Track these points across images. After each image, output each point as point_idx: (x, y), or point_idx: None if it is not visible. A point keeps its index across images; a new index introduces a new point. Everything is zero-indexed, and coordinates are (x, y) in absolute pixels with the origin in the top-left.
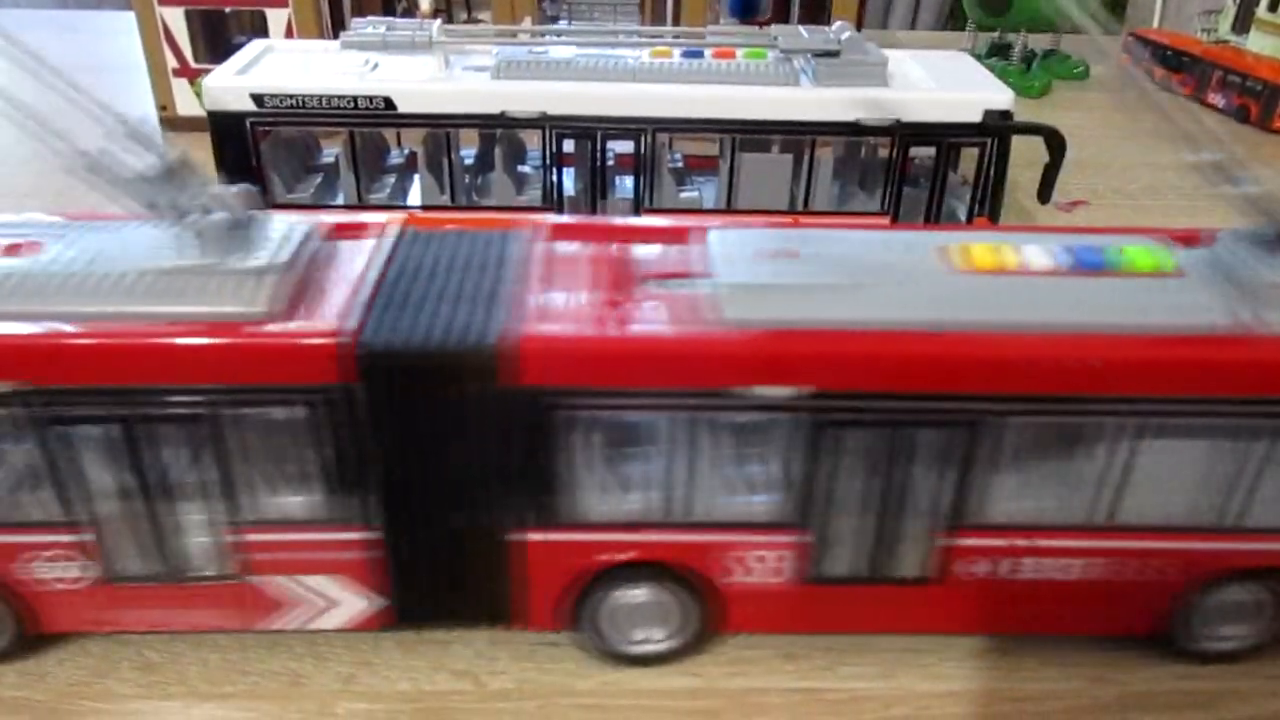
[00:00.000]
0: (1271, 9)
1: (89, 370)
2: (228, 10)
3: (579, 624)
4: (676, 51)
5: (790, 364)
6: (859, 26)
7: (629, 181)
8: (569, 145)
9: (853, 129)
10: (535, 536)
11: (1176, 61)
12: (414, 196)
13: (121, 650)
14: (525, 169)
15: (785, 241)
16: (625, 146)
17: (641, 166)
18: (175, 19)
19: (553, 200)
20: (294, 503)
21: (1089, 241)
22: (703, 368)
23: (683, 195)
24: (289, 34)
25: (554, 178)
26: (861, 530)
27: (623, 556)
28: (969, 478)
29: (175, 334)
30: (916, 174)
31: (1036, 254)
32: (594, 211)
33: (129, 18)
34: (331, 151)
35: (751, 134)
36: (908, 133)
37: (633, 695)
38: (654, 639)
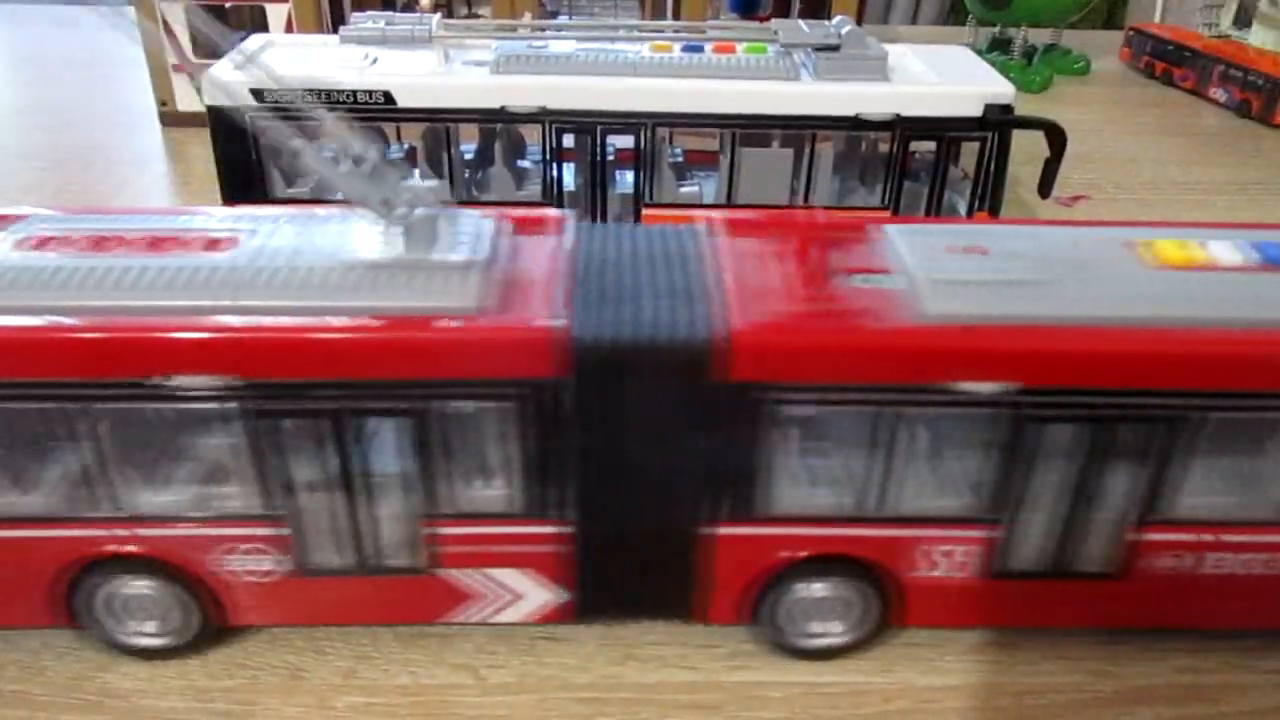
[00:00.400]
0: (1273, 3)
1: (298, 364)
2: (228, 5)
3: (757, 618)
4: (676, 46)
5: (999, 360)
6: (859, 21)
7: (629, 176)
8: (569, 140)
9: (853, 123)
10: (725, 530)
11: (1178, 56)
12: None
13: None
14: (525, 164)
15: (971, 238)
16: (625, 141)
17: (641, 161)
18: (175, 14)
19: (552, 195)
20: (490, 496)
21: (1274, 238)
22: (913, 363)
23: (683, 190)
24: (289, 29)
25: (554, 173)
26: (1051, 525)
27: (810, 551)
28: (1163, 473)
29: (386, 328)
30: (917, 168)
31: (1224, 250)
32: (594, 207)
33: (128, 13)
34: (331, 147)
35: (752, 129)
36: (908, 127)
37: (632, 689)
38: (831, 633)
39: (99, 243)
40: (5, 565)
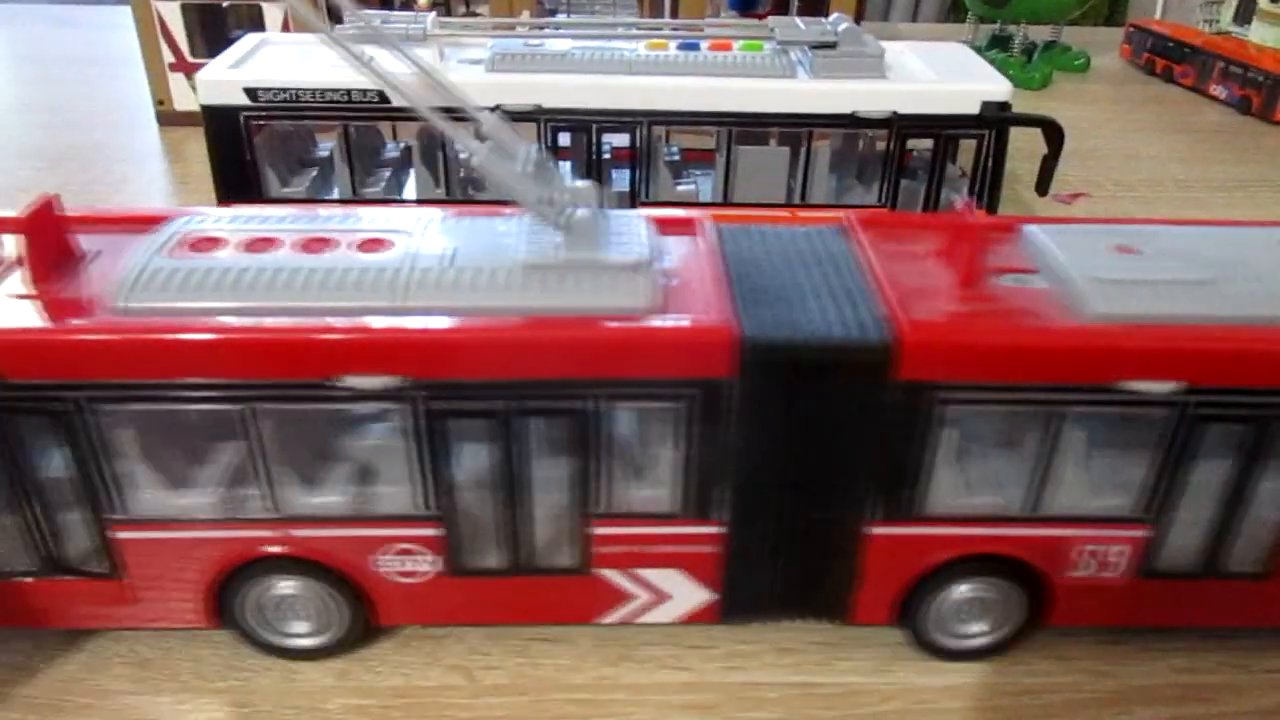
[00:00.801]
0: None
1: (468, 365)
2: (225, 4)
3: (905, 618)
4: (673, 44)
5: (1166, 359)
6: (859, 19)
7: (625, 174)
8: (564, 139)
9: (850, 121)
10: (881, 530)
11: (1178, 53)
12: (409, 190)
13: (113, 646)
14: None
15: (1119, 238)
16: (621, 140)
17: (638, 159)
18: (172, 14)
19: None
20: (648, 496)
21: None
22: (1083, 363)
23: (679, 188)
24: (285, 28)
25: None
26: (1205, 525)
27: (964, 551)
28: None
29: (558, 328)
30: (914, 166)
31: None
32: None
33: (125, 12)
34: (327, 145)
35: (748, 126)
36: (905, 124)
37: (627, 690)
38: (977, 634)
39: (253, 244)
40: (164, 567)
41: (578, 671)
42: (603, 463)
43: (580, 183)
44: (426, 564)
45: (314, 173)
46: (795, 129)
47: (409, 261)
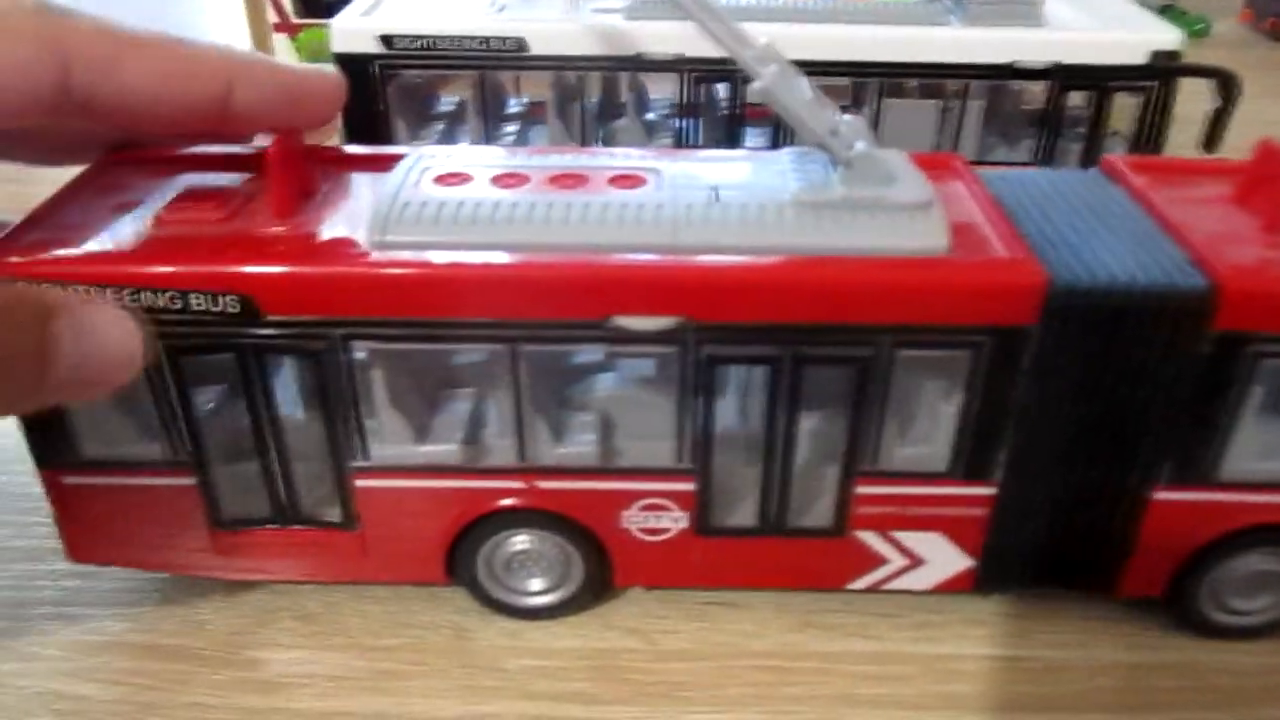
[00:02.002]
0: None
1: (751, 306)
2: None
3: (1178, 591)
4: None
5: None
6: None
7: (761, 131)
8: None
9: (1007, 72)
10: (1168, 495)
11: None
12: (540, 143)
13: (278, 600)
14: (652, 116)
15: None
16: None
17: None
18: None
19: (685, 148)
20: (919, 454)
21: None
22: None
23: None
24: None
25: (687, 124)
26: None
27: (1258, 519)
28: None
29: (852, 269)
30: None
31: None
32: None
33: None
34: (450, 100)
35: (895, 77)
36: (1067, 76)
37: (816, 658)
38: (1255, 609)
39: (502, 180)
40: (403, 518)
41: (760, 638)
42: (876, 416)
43: (849, 117)
44: (674, 521)
45: (441, 126)
46: (947, 81)
47: (672, 198)
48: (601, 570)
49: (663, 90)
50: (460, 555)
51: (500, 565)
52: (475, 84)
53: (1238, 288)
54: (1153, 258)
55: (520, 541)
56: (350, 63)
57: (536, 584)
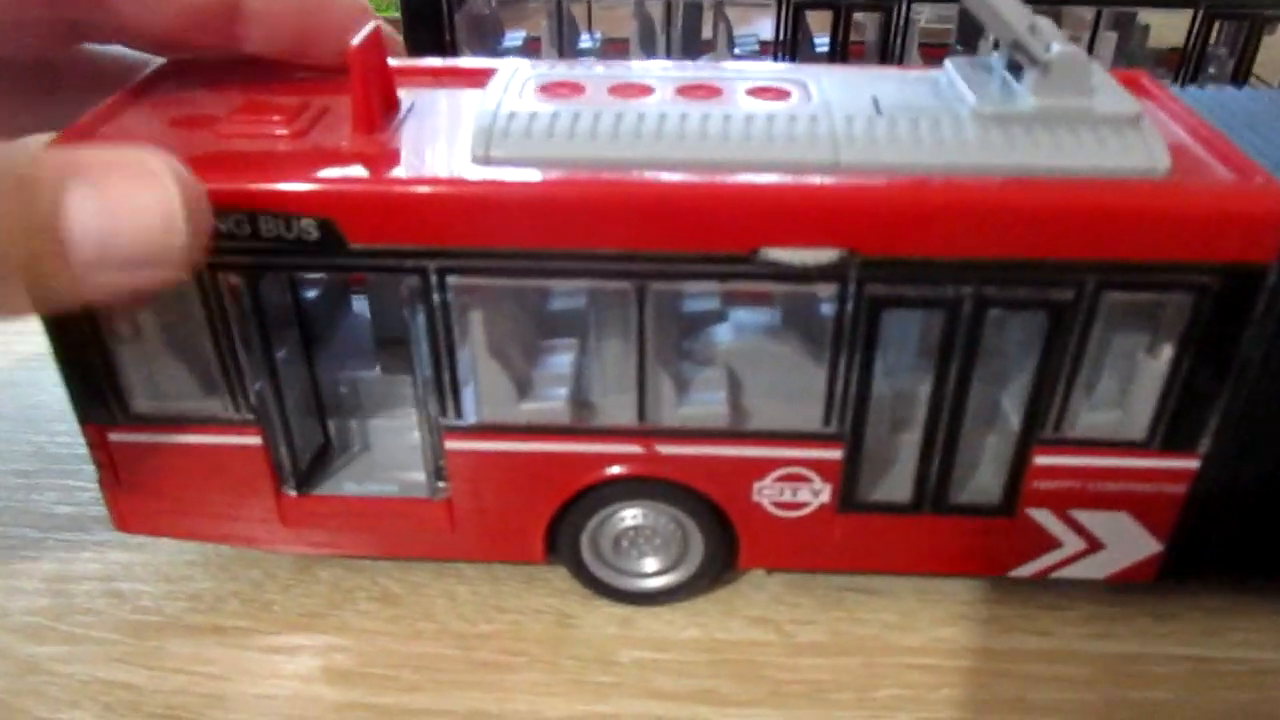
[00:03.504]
0: None
1: (929, 238)
2: None
3: None
4: None
5: None
6: None
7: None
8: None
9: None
10: None
11: None
12: None
13: (355, 578)
14: (739, 52)
15: None
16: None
17: (889, 50)
18: None
19: None
20: (1112, 420)
21: None
22: None
23: None
24: None
25: (787, 58)
26: None
27: None
28: None
29: (1051, 192)
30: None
31: None
32: None
33: None
34: (516, 35)
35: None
36: (1215, 4)
37: (976, 655)
38: None
39: (622, 89)
40: (502, 487)
41: (908, 630)
42: (1067, 374)
43: (1043, 19)
44: (815, 495)
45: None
46: (1073, 8)
47: (827, 111)
48: (725, 550)
49: (749, 24)
50: (563, 530)
51: (608, 543)
52: (551, 14)
53: None
54: None
55: (632, 516)
56: None
57: (649, 564)
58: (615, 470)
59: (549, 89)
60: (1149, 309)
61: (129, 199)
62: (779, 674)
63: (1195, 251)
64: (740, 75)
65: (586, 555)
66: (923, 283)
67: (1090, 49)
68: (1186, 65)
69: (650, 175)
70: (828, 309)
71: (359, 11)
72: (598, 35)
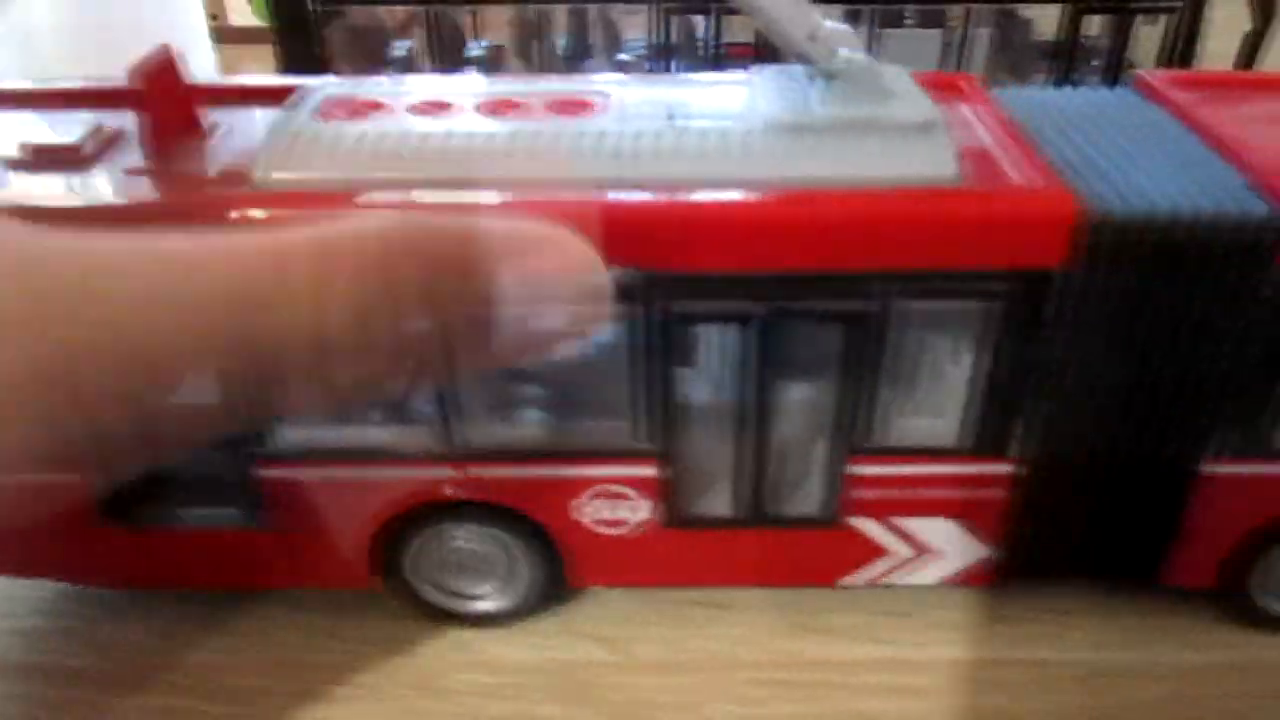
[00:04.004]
0: None
1: (716, 253)
2: None
3: (1244, 580)
4: None
5: None
6: None
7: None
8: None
9: None
10: (1225, 469)
11: None
12: None
13: (195, 610)
14: (625, 57)
15: None
16: (744, 27)
17: (761, 51)
18: None
19: None
20: (926, 427)
21: None
22: None
23: None
24: None
25: (661, 65)
26: None
27: None
28: None
29: (840, 203)
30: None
31: None
32: None
33: None
34: (403, 44)
35: (893, 4)
36: None
37: (815, 667)
38: None
39: (422, 108)
40: (324, 512)
41: (749, 644)
42: (872, 383)
43: (837, 25)
44: (635, 511)
45: (390, 74)
46: (948, 7)
47: (620, 124)
48: (552, 570)
49: (638, 28)
50: (389, 556)
51: (434, 566)
52: (425, 23)
53: None
54: (1201, 184)
55: (456, 539)
56: (284, 5)
57: (478, 587)
58: (430, 494)
59: (345, 108)
60: (949, 316)
61: (558, 279)
62: (612, 694)
63: (983, 258)
64: (547, 89)
65: (414, 580)
66: (716, 298)
67: (962, 46)
68: (1060, 60)
69: (429, 196)
70: (627, 326)
71: None
72: (485, 43)
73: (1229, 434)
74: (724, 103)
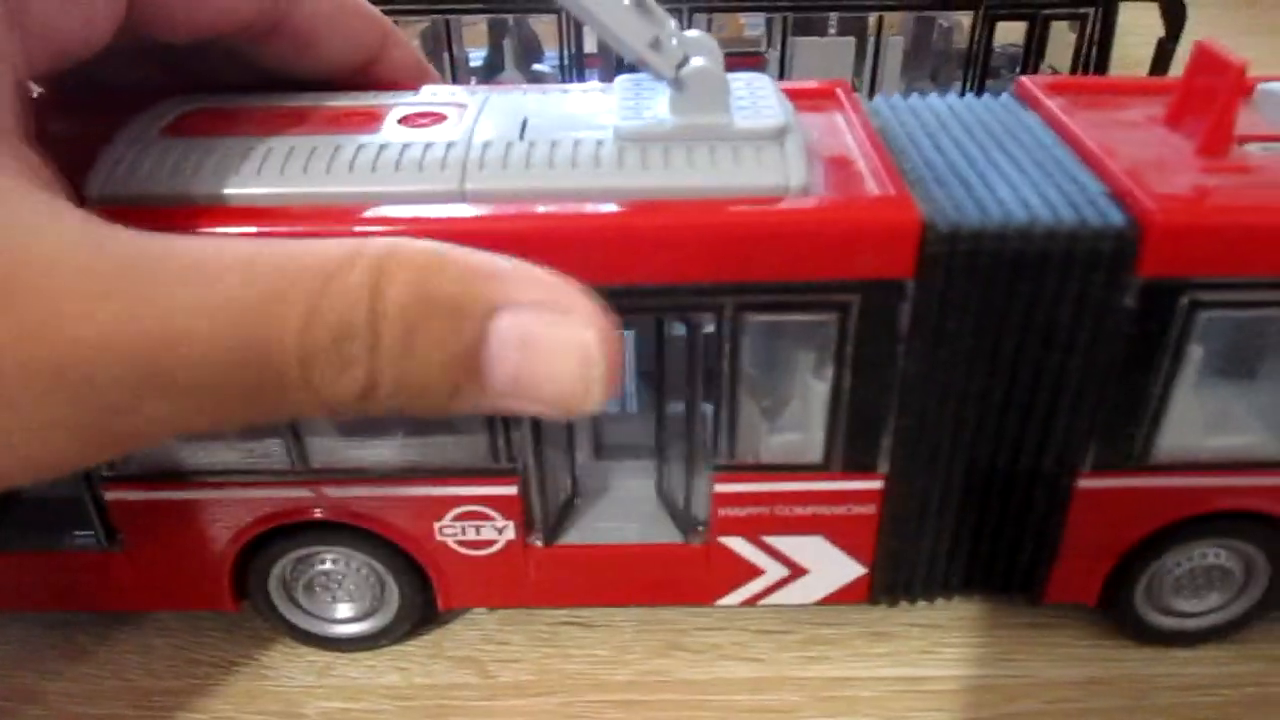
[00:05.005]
0: None
1: (558, 267)
2: None
3: (1117, 595)
4: None
5: None
6: None
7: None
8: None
9: (929, 2)
10: (1097, 483)
11: None
12: None
13: (46, 635)
14: (542, 68)
15: None
16: None
17: None
18: None
19: None
20: (786, 443)
21: None
22: None
23: None
24: None
25: (576, 77)
26: None
27: (1205, 507)
28: None
29: (675, 214)
30: (996, 64)
31: None
32: None
33: None
34: None
35: (806, 12)
36: (996, 4)
37: (681, 688)
38: (1200, 612)
39: (269, 121)
40: (176, 534)
41: (619, 665)
42: (728, 399)
43: (694, 31)
44: (500, 532)
45: None
46: (860, 14)
47: (468, 136)
48: (422, 593)
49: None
50: (251, 578)
51: (300, 589)
52: None
53: (1165, 223)
54: (1063, 192)
55: (323, 561)
56: None
57: (346, 611)
58: (285, 516)
59: (192, 123)
60: (804, 330)
61: (550, 338)
62: (472, 717)
63: (831, 269)
64: (404, 101)
65: (280, 604)
66: None
67: (876, 54)
68: (973, 65)
69: (264, 217)
70: None
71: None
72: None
73: (1101, 447)
74: (582, 113)
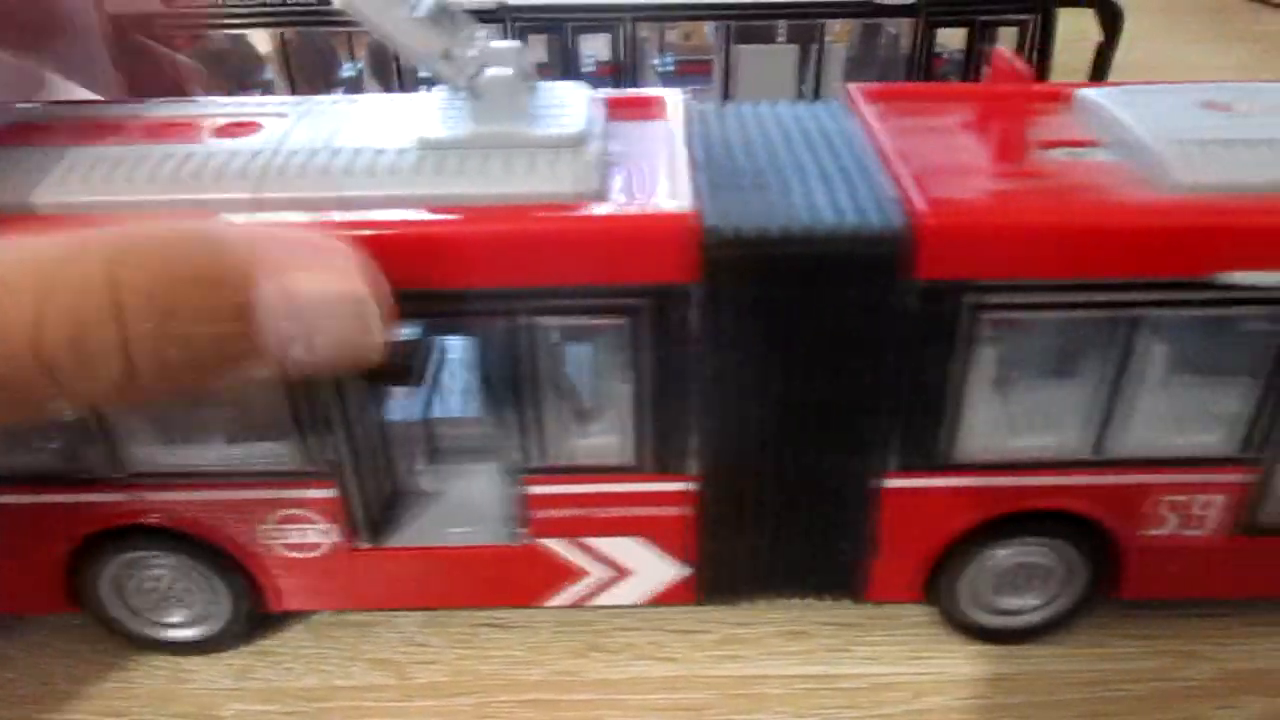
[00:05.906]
0: None
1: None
2: None
3: (936, 593)
4: None
5: None
6: None
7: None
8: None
9: (868, 9)
10: (901, 483)
11: None
12: None
13: None
14: None
15: (1207, 95)
16: (601, 43)
17: (623, 71)
18: None
19: None
20: (595, 445)
21: None
22: (1188, 250)
23: None
24: None
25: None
26: None
27: (1016, 505)
28: None
29: (462, 221)
30: (944, 71)
31: None
32: None
33: None
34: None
35: (749, 20)
36: (935, 10)
37: (595, 687)
38: (1022, 609)
39: (88, 131)
40: (4, 537)
41: (534, 665)
42: (532, 402)
43: (501, 42)
44: (325, 534)
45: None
46: (804, 22)
47: (275, 145)
48: (250, 596)
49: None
50: (84, 583)
51: (134, 593)
52: (277, 46)
53: (935, 226)
54: (856, 198)
55: (153, 566)
56: (130, 25)
57: (180, 615)
58: (105, 521)
59: (14, 132)
60: (600, 333)
61: (314, 291)
62: (385, 718)
63: (619, 275)
64: (223, 111)
65: (113, 608)
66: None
67: (818, 61)
68: (915, 71)
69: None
70: None
71: None
72: (359, 63)
73: (904, 449)
74: (392, 122)
